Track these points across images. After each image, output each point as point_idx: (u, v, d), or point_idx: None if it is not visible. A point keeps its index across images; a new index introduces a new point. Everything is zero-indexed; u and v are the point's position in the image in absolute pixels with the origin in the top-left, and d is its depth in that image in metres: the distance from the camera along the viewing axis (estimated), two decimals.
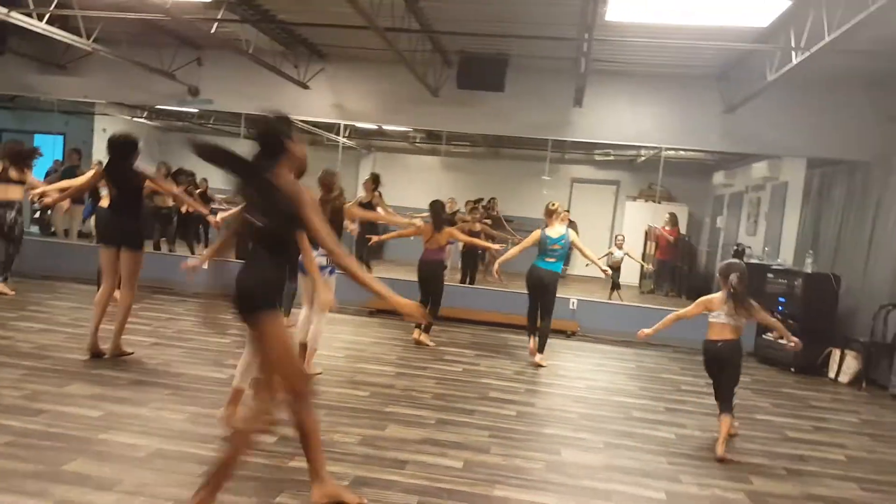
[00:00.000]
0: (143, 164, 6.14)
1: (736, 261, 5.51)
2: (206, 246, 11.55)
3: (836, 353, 8.13)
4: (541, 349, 7.45)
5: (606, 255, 11.25)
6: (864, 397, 7.41)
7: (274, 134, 3.30)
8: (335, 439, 4.56)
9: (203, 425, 4.60)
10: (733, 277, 5.11)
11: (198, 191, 12.31)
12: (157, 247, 11.03)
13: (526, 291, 7.60)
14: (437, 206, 7.99)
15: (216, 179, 12.10)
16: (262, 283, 3.25)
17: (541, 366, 7.33)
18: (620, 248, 11.48)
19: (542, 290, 7.42)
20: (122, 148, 5.91)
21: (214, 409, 4.89)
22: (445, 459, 4.40)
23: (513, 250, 7.69)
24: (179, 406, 4.94)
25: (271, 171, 3.24)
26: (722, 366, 5.23)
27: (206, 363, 6.17)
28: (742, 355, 5.33)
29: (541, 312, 7.47)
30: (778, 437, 5.62)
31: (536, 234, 7.47)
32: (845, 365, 7.98)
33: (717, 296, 5.27)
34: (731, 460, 4.90)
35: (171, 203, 10.16)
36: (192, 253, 11.14)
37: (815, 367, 8.24)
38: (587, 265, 7.83)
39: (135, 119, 13.45)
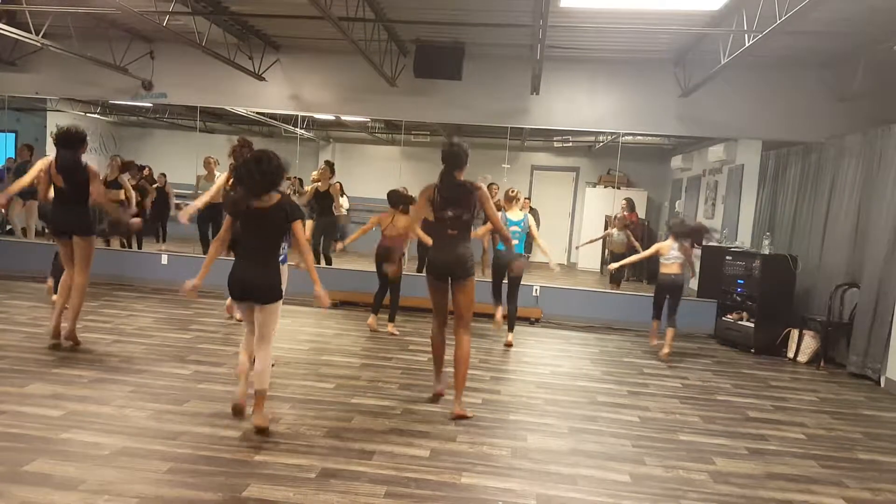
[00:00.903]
0: (92, 162, 6.20)
1: (679, 218, 7.49)
2: (165, 242, 11.37)
3: (795, 332, 8.26)
4: (511, 328, 7.84)
5: (602, 237, 10.92)
6: (822, 376, 7.56)
7: (461, 154, 5.11)
8: (301, 432, 4.54)
9: (167, 422, 4.54)
10: (676, 227, 7.66)
11: (154, 186, 12.14)
12: (107, 242, 10.77)
13: (490, 279, 7.93)
14: (392, 196, 7.94)
15: (175, 175, 12.02)
16: (471, 255, 5.05)
17: (511, 345, 7.71)
18: (621, 229, 10.67)
19: (512, 275, 7.59)
20: (70, 141, 5.98)
21: (178, 406, 4.86)
22: (412, 449, 4.41)
23: (482, 238, 7.95)
24: (143, 403, 4.87)
25: (460, 178, 5.07)
26: (674, 291, 7.55)
27: (169, 359, 6.09)
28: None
29: (509, 296, 7.79)
30: (739, 418, 5.72)
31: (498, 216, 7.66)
32: (804, 344, 8.13)
33: (667, 242, 7.68)
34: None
35: (122, 197, 9.88)
36: (134, 247, 10.90)
37: (775, 348, 8.38)
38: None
39: (88, 115, 13.18)
